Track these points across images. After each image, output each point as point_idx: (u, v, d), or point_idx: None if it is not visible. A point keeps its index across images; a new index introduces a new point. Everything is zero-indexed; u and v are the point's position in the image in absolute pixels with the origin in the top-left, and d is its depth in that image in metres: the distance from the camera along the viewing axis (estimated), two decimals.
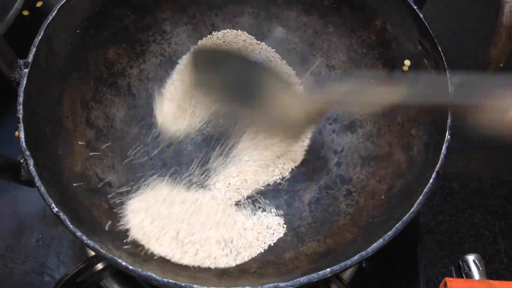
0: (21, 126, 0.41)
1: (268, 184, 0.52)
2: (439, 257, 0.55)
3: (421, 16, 0.46)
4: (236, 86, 0.47)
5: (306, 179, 0.52)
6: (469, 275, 0.51)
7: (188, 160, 0.53)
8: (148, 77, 0.56)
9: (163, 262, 0.44)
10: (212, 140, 0.54)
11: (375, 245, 0.38)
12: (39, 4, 0.68)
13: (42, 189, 0.39)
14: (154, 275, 0.36)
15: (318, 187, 0.52)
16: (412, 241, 0.55)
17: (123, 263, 0.37)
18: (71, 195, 0.43)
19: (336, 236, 0.47)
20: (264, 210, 0.50)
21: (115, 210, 0.47)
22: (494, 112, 0.35)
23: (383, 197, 0.47)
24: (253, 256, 0.47)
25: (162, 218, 0.47)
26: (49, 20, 0.45)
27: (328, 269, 0.37)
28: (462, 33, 0.66)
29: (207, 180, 0.52)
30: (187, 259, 0.45)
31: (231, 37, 0.58)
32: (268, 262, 0.46)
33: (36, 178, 0.39)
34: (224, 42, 0.58)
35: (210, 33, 0.58)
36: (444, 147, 0.42)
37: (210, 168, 0.52)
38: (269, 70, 0.46)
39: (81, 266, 0.46)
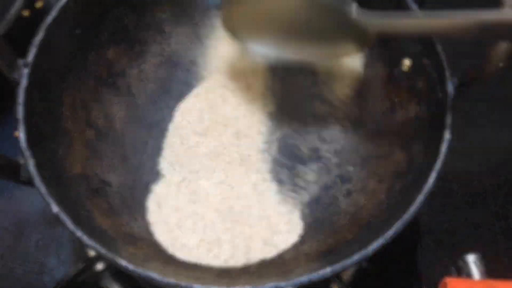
0: (21, 126, 0.41)
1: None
2: (439, 257, 0.55)
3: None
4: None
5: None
6: (469, 275, 0.51)
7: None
8: (148, 77, 0.56)
9: (164, 262, 0.44)
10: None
11: (375, 245, 0.38)
12: (39, 4, 0.68)
13: (42, 189, 0.39)
14: (155, 275, 0.36)
15: (318, 187, 0.52)
16: (412, 241, 0.55)
17: (124, 263, 0.37)
18: (71, 195, 0.43)
19: (336, 235, 0.47)
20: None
21: (117, 211, 0.47)
22: None
23: (383, 196, 0.47)
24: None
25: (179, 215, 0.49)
26: (49, 20, 0.45)
27: (329, 269, 0.37)
28: None
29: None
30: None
31: None
32: (268, 261, 0.46)
33: (36, 178, 0.39)
34: None
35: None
36: (444, 147, 0.42)
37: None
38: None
39: (81, 267, 0.46)
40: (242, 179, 0.52)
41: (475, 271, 0.50)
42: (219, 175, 0.52)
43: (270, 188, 0.52)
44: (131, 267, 0.36)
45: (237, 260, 0.46)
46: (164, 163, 0.52)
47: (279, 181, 0.52)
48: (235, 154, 0.53)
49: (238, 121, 0.55)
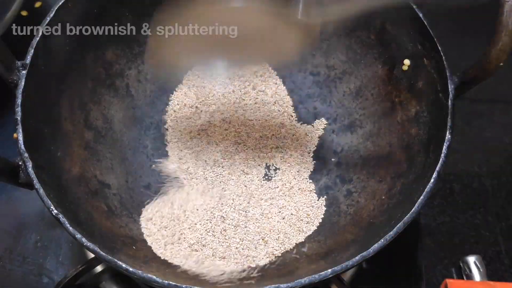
0: (20, 128, 0.41)
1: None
2: (439, 258, 0.55)
3: (421, 15, 0.46)
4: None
5: None
6: (469, 277, 0.50)
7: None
8: (147, 78, 0.56)
9: (163, 264, 0.44)
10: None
11: (376, 246, 0.38)
12: (37, 4, 0.67)
13: (41, 191, 0.38)
14: (154, 277, 0.36)
15: (318, 187, 0.52)
16: (412, 242, 0.54)
17: (123, 265, 0.36)
18: (70, 197, 0.43)
19: (336, 236, 0.47)
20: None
21: (116, 212, 0.47)
22: None
23: (383, 197, 0.47)
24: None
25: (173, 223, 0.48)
26: (47, 21, 0.45)
27: (329, 270, 0.37)
28: (462, 33, 0.66)
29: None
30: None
31: None
32: (269, 264, 0.46)
33: (35, 180, 0.39)
34: None
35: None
36: (444, 147, 0.41)
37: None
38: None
39: (80, 268, 0.46)
40: (242, 182, 0.52)
41: (476, 273, 0.50)
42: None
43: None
44: (130, 269, 0.36)
45: (238, 262, 0.46)
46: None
47: None
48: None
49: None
